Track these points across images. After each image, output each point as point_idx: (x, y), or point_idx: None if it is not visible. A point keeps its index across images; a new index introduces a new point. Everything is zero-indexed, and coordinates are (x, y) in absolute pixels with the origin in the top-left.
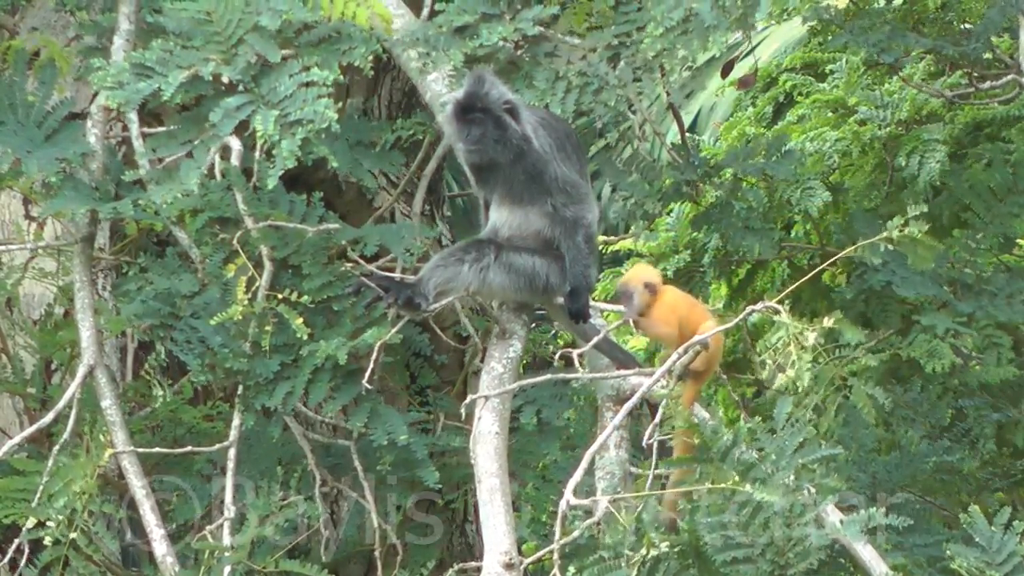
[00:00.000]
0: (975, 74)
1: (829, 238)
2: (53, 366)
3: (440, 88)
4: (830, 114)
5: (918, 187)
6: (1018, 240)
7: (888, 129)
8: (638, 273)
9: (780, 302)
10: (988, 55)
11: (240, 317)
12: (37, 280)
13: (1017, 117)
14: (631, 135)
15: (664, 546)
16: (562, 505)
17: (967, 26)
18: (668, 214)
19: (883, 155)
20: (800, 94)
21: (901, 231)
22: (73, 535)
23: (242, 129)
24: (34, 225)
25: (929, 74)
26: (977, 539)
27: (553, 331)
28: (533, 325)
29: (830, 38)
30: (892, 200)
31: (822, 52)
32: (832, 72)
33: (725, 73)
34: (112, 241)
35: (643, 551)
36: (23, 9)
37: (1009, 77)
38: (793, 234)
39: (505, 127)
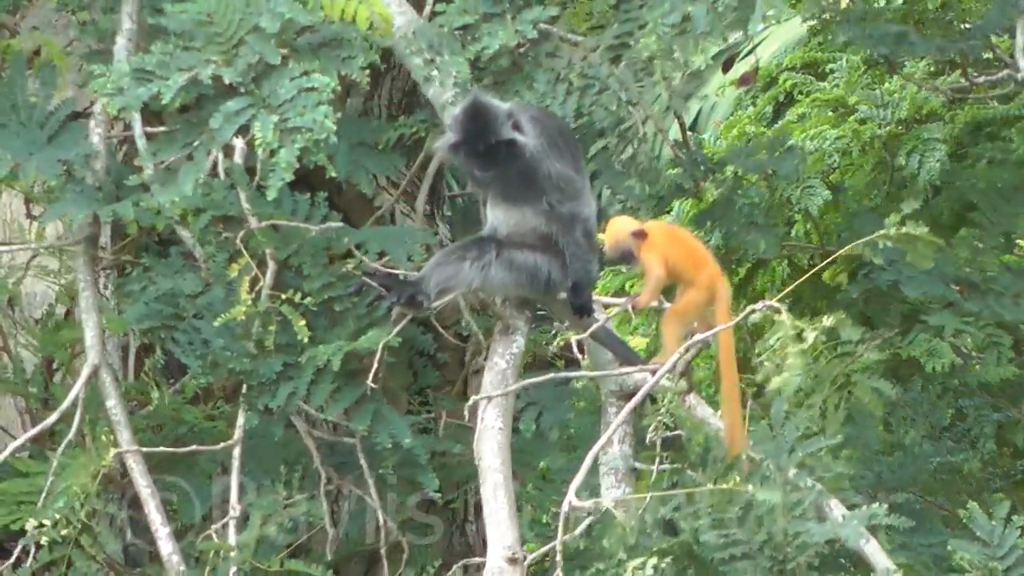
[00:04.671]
0: (974, 73)
1: (829, 237)
2: (54, 366)
3: (441, 89)
4: (830, 113)
5: (918, 186)
6: (1018, 241)
7: (888, 128)
8: (620, 228)
9: (781, 301)
10: (988, 55)
11: (244, 317)
12: (39, 278)
13: (1017, 116)
14: (632, 134)
15: (653, 562)
16: (564, 506)
17: (966, 26)
18: (668, 212)
19: (883, 154)
20: (800, 93)
21: (898, 229)
22: (79, 529)
23: (243, 130)
24: (36, 224)
25: (929, 74)
26: (978, 533)
27: (554, 332)
28: (533, 325)
29: (830, 37)
30: (892, 199)
31: (822, 52)
32: (832, 71)
33: (726, 68)
34: (114, 240)
35: (638, 561)
36: (24, 8)
37: (1004, 72)
38: (793, 233)
39: (515, 144)
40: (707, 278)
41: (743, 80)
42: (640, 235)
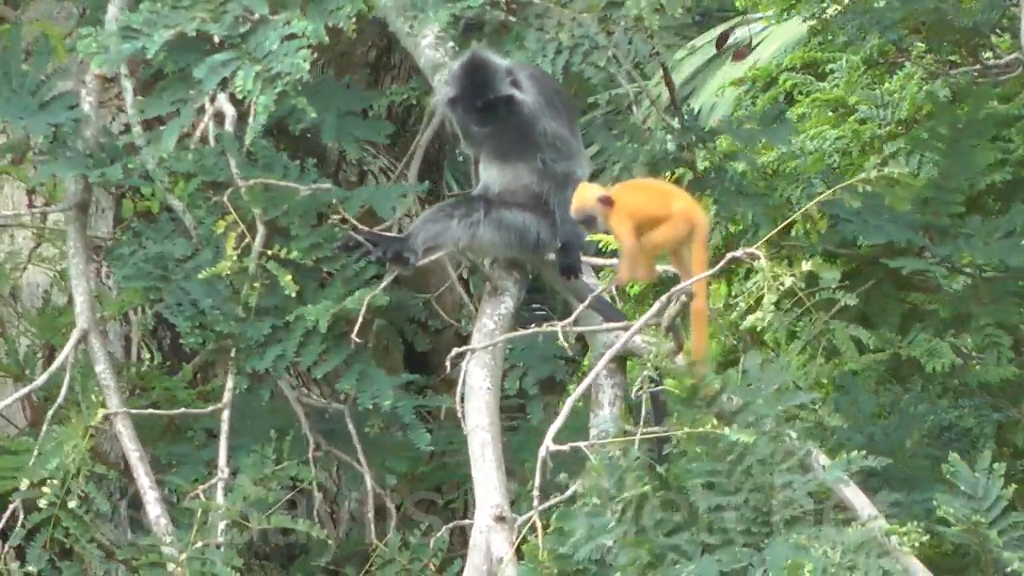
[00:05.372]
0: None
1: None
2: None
3: (435, 54)
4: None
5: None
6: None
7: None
8: (587, 193)
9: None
10: (988, 54)
11: (229, 273)
12: (38, 266)
13: (1017, 116)
14: (624, 98)
15: (647, 488)
16: (542, 451)
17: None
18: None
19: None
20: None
21: (879, 171)
22: (67, 491)
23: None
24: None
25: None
26: (962, 487)
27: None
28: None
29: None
30: None
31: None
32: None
33: (720, 44)
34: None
35: (627, 494)
36: (24, 4)
37: (1012, 55)
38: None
39: (514, 102)
40: (681, 211)
41: (737, 55)
42: (607, 202)
